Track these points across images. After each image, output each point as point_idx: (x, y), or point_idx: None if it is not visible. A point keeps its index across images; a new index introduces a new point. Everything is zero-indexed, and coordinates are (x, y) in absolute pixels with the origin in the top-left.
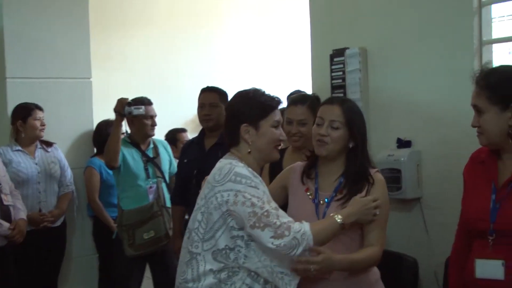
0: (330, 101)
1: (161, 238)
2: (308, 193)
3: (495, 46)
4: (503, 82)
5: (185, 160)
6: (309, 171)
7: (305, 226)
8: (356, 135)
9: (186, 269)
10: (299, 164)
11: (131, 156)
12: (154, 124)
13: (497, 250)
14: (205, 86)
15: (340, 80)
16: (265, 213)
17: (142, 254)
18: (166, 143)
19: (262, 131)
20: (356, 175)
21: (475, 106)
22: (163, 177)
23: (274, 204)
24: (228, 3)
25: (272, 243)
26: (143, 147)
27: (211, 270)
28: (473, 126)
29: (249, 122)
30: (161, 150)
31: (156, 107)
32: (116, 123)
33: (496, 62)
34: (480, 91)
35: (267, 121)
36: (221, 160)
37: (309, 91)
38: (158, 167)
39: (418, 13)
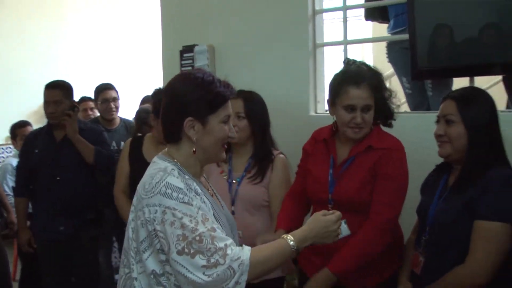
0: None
1: None
2: (223, 174)
3: (326, 49)
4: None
5: (36, 151)
6: None
7: (245, 254)
8: (257, 123)
9: None
10: None
11: None
12: None
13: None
14: (49, 81)
15: None
16: (197, 238)
17: None
18: None
19: (210, 127)
20: (262, 156)
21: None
22: None
23: (210, 224)
24: None
25: (204, 273)
26: None
27: None
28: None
29: (196, 116)
30: None
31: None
32: None
33: (327, 63)
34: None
35: (217, 116)
36: (155, 160)
37: (160, 84)
38: None
39: (261, 16)
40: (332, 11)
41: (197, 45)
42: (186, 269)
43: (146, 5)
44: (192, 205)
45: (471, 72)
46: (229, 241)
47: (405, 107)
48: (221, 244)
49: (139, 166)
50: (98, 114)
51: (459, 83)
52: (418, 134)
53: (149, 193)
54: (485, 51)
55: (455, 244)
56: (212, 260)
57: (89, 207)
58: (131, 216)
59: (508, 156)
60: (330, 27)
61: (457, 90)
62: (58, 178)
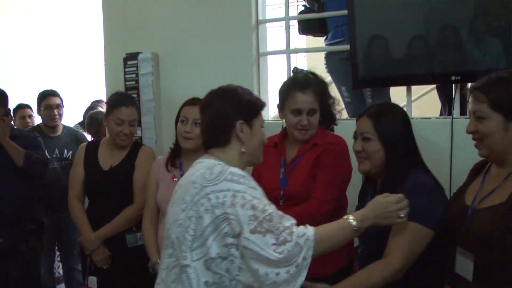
0: (192, 102)
1: None
2: (175, 179)
3: (269, 58)
4: None
5: None
6: (174, 161)
7: (309, 231)
8: None
9: (176, 286)
10: (161, 158)
11: None
12: None
13: (286, 210)
14: None
15: (133, 82)
16: (268, 217)
17: None
18: None
19: (255, 130)
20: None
21: None
22: None
23: (273, 206)
24: None
25: (275, 251)
26: None
27: (206, 282)
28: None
29: (245, 119)
30: None
31: None
32: None
33: (271, 72)
34: None
35: (257, 121)
36: (201, 160)
37: (103, 91)
38: None
39: (205, 25)
40: (275, 21)
41: (141, 52)
42: (259, 247)
43: (88, 11)
44: (257, 189)
45: (406, 82)
46: (294, 221)
47: (343, 115)
48: (288, 223)
49: (94, 171)
50: (37, 121)
51: (397, 89)
52: None
53: (213, 181)
54: (416, 62)
55: (383, 252)
56: (281, 238)
57: (29, 217)
58: (186, 206)
59: (441, 159)
60: (270, 35)
61: (372, 107)
62: None
